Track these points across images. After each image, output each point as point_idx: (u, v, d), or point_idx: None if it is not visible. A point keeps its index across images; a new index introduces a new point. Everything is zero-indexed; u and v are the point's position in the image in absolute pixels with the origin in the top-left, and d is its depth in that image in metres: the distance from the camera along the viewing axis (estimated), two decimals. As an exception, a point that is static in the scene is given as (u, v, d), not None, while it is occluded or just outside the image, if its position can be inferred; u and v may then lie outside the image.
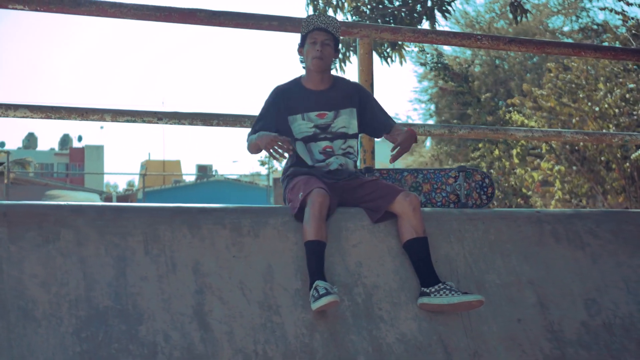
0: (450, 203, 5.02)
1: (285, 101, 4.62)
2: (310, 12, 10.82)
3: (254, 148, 4.58)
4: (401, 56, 11.41)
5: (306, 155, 4.59)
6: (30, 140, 58.61)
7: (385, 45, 11.19)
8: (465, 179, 5.02)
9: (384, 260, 4.44)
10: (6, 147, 50.33)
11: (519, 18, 10.50)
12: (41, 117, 5.11)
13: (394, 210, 4.44)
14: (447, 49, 26.15)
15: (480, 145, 11.77)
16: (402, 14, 11.09)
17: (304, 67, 4.73)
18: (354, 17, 11.09)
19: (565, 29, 26.46)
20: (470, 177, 5.04)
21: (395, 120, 4.91)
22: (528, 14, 11.10)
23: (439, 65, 11.19)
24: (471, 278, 4.55)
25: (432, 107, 26.36)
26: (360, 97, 4.76)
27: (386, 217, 4.50)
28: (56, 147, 59.38)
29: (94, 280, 3.91)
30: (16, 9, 5.05)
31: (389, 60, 11.35)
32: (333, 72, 4.75)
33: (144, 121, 5.31)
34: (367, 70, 5.81)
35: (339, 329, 4.14)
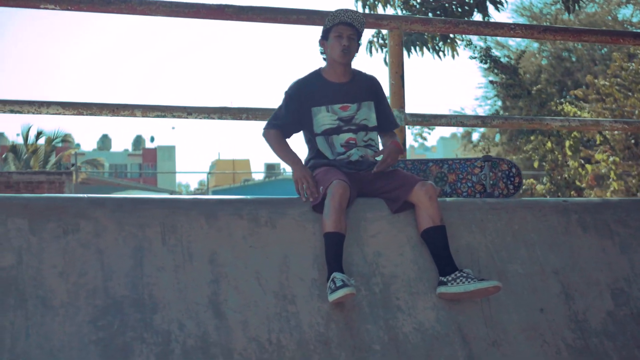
0: (476, 193, 4.98)
1: (306, 94, 4.64)
2: (360, 7, 10.81)
3: (277, 153, 4.62)
4: (453, 49, 11.33)
5: (327, 149, 4.61)
6: (105, 141, 59.81)
7: (437, 39, 11.13)
8: (491, 169, 4.97)
9: (403, 250, 4.43)
10: (82, 149, 51.44)
11: (571, 8, 10.31)
12: (73, 114, 5.23)
13: (412, 200, 4.44)
14: (512, 43, 25.88)
15: (532, 137, 11.61)
16: (453, 6, 11.00)
17: (324, 59, 4.74)
18: (403, 11, 11.05)
19: (635, 19, 25.88)
20: (496, 167, 4.99)
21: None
22: (582, 4, 10.92)
23: (488, 58, 11.06)
24: (493, 268, 4.51)
25: (499, 102, 26.06)
26: (376, 90, 4.78)
27: (406, 207, 4.50)
28: (129, 148, 60.50)
29: (111, 271, 4.00)
30: (47, 8, 5.18)
31: (440, 54, 11.29)
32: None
33: (173, 116, 5.40)
34: (397, 61, 5.80)
35: (355, 319, 4.15)
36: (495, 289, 4.20)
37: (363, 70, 4.84)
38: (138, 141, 60.55)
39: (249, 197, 4.47)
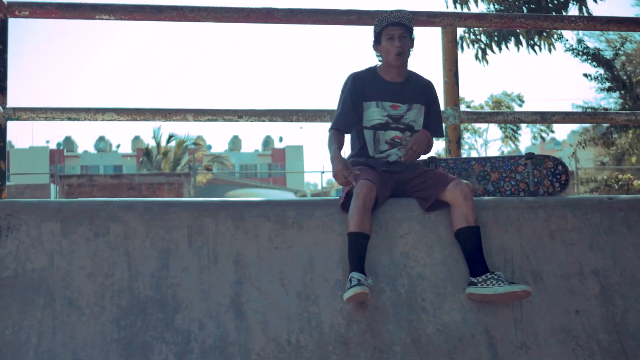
0: (520, 192, 4.87)
1: (361, 87, 4.66)
2: (451, 5, 10.71)
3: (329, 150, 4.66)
4: (549, 44, 11.06)
5: (371, 144, 4.62)
6: (235, 142, 61.12)
7: (532, 32, 10.89)
8: (534, 167, 4.85)
9: (433, 250, 4.39)
10: (212, 150, 52.75)
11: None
12: (127, 119, 5.41)
13: (446, 199, 4.39)
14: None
15: (630, 131, 11.19)
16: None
17: (380, 61, 4.75)
18: (496, 6, 10.87)
19: None
20: (541, 165, 4.87)
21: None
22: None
23: (582, 50, 10.69)
24: (527, 268, 4.41)
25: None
26: (430, 95, 4.76)
27: (438, 206, 4.46)
28: (259, 149, 61.62)
29: (137, 272, 4.13)
30: (102, 19, 5.38)
31: (536, 48, 11.04)
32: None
33: (224, 119, 5.51)
34: (451, 59, 5.73)
35: (377, 320, 4.14)
36: (525, 293, 4.11)
37: (421, 74, 4.82)
38: (267, 141, 61.60)
39: (276, 199, 4.53)
